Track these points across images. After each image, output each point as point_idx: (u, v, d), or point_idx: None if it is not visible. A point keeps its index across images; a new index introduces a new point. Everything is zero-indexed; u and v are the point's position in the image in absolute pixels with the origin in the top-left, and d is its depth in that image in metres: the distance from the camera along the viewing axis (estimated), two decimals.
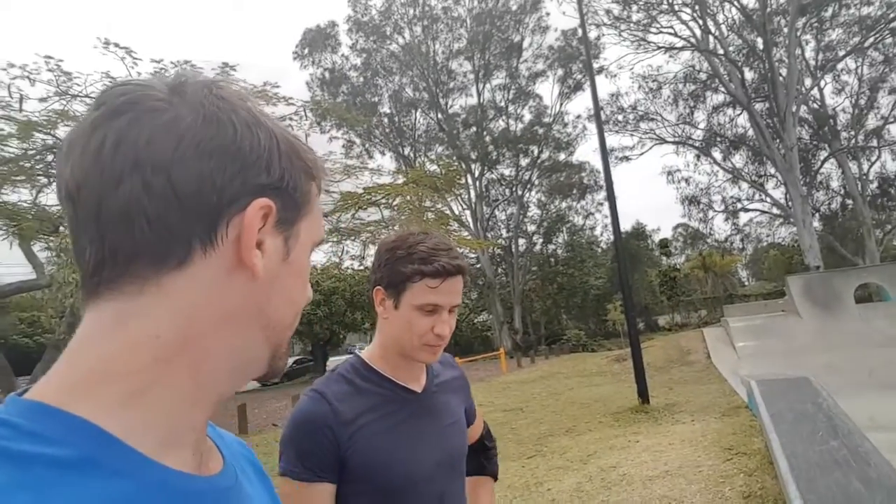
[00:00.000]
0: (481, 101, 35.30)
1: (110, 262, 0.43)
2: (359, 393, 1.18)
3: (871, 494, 2.65)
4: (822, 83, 28.69)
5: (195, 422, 0.47)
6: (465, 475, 1.48)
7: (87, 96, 11.37)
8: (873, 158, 28.84)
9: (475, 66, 34.81)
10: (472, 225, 34.23)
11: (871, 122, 28.45)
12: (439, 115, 35.55)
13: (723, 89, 27.52)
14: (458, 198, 32.66)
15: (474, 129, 35.05)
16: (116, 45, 10.95)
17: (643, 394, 9.43)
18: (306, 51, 35.27)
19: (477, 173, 35.25)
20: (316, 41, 35.09)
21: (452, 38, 34.91)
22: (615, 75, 34.74)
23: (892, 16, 24.43)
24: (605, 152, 10.85)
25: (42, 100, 11.26)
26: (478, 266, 34.95)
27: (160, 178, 0.42)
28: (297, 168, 0.50)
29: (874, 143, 28.16)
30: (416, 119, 36.39)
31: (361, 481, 1.12)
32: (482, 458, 1.53)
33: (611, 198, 10.62)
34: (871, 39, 25.79)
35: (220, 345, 0.46)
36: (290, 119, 13.46)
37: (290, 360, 24.89)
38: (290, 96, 13.03)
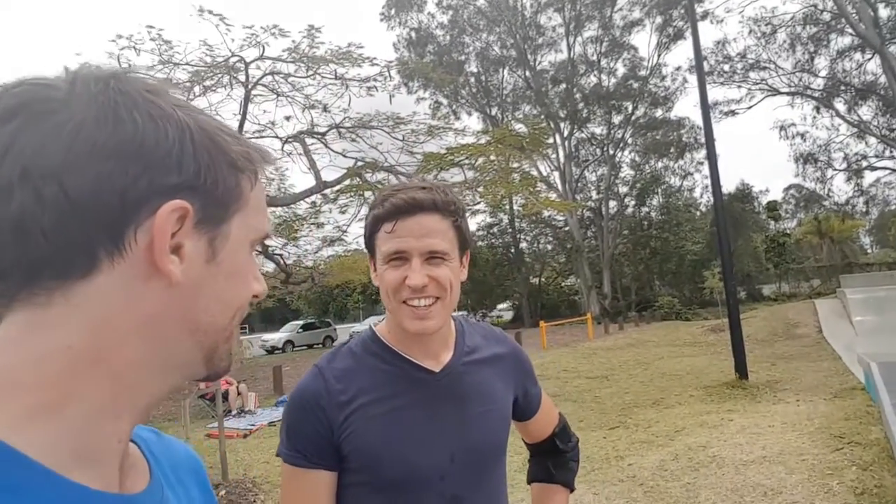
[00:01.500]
0: (571, 55, 33.65)
1: (12, 275, 0.41)
2: (361, 369, 1.02)
3: None
4: None
5: (120, 433, 0.45)
6: (530, 480, 1.28)
7: (188, 64, 11.93)
8: None
9: (565, 19, 33.08)
10: (560, 186, 33.21)
11: None
12: (527, 73, 34.37)
13: (850, 30, 24.30)
14: (546, 158, 31.72)
15: (564, 86, 33.60)
16: (210, 12, 11.30)
17: (741, 368, 8.78)
18: (392, 11, 35.09)
19: (566, 132, 33.94)
20: (402, 0, 34.77)
21: None
22: (722, 20, 31.88)
23: None
24: (705, 106, 9.92)
25: (148, 69, 11.92)
26: (566, 229, 34.05)
27: (51, 186, 0.39)
28: (219, 162, 0.46)
29: None
30: (503, 77, 35.46)
31: (357, 471, 0.97)
32: (549, 463, 1.25)
33: (711, 156, 9.77)
34: None
35: (142, 353, 0.44)
36: (375, 80, 13.43)
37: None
38: (374, 56, 12.94)
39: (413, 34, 35.20)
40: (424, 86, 31.77)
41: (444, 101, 34.14)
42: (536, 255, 37.82)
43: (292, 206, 16.00)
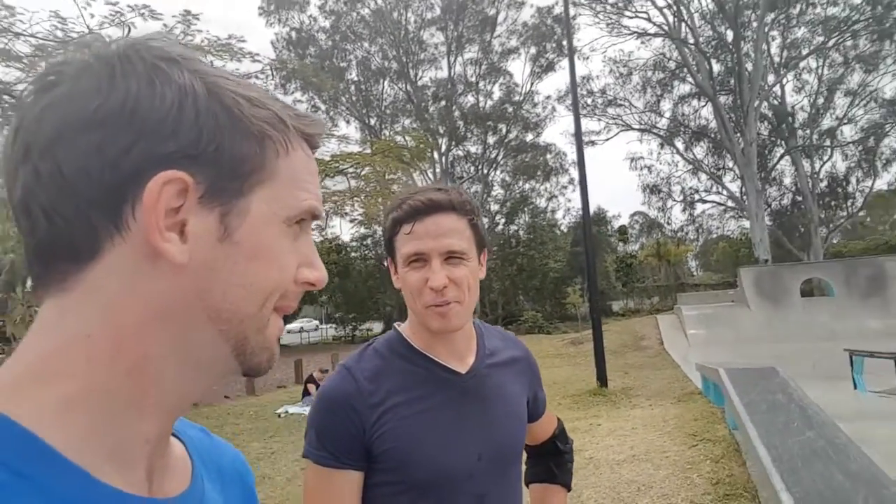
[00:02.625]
0: (452, 74, 34.71)
1: (33, 259, 0.39)
2: (391, 371, 1.01)
3: (856, 487, 2.63)
4: (785, 81, 29.41)
5: (146, 434, 0.42)
6: (530, 481, 1.30)
7: (32, 35, 10.46)
8: (825, 158, 29.90)
9: (448, 38, 34.10)
10: None
11: (826, 122, 29.43)
12: (408, 87, 34.80)
13: (690, 79, 27.89)
14: (424, 172, 32.29)
15: (443, 102, 34.51)
16: None
17: (602, 377, 9.55)
18: (272, 6, 33.74)
19: (444, 148, 34.84)
20: None
21: (425, 6, 33.99)
22: (587, 58, 34.81)
23: (854, 18, 25.17)
24: (579, 134, 10.79)
25: None
26: None
27: (47, 161, 0.37)
28: (230, 128, 0.41)
29: (827, 142, 29.18)
30: (383, 89, 35.50)
31: (387, 471, 0.97)
32: (552, 464, 1.29)
33: (583, 181, 10.59)
34: (833, 41, 26.53)
35: (162, 344, 0.41)
36: (256, 77, 12.82)
37: None
38: (257, 52, 12.38)
39: (294, 34, 34.08)
40: (303, 88, 30.85)
41: (323, 107, 33.37)
42: None
43: None
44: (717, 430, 5.51)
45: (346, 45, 34.55)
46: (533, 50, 33.44)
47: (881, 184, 30.38)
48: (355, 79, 34.94)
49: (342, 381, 1.00)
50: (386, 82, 35.36)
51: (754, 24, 25.47)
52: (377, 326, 38.61)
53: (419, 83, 35.13)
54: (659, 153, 31.81)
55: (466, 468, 0.99)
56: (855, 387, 8.59)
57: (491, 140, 34.98)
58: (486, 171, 35.31)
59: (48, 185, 0.37)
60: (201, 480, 0.50)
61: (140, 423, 0.41)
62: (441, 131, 34.37)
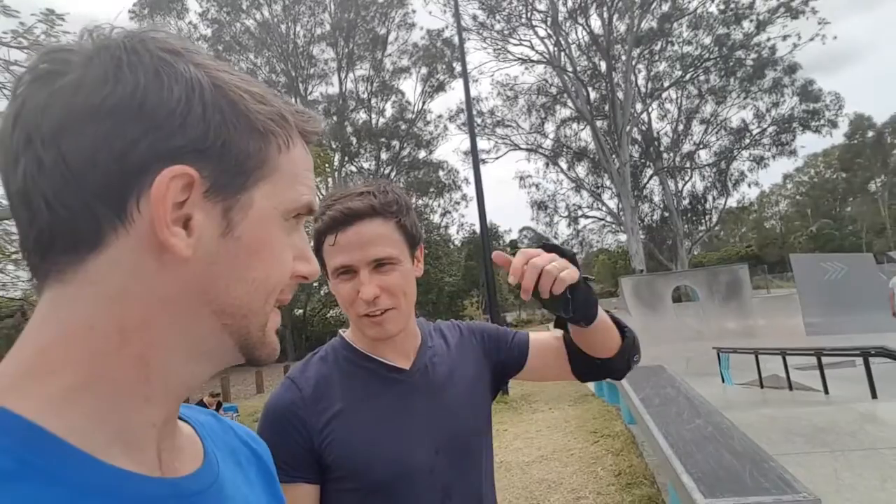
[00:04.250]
0: (343, 90, 34.50)
1: (31, 248, 0.39)
2: (336, 376, 0.98)
3: (742, 463, 2.94)
4: (650, 109, 32.58)
5: (152, 419, 0.42)
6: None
7: None
8: (686, 178, 33.42)
9: (338, 54, 33.90)
10: None
11: (686, 146, 32.93)
12: (298, 102, 33.94)
13: (570, 104, 30.02)
14: (318, 188, 31.60)
15: (335, 118, 34.15)
16: None
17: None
18: (146, 11, 31.59)
19: (336, 164, 34.39)
20: (160, 1, 31.58)
21: (314, 22, 33.60)
22: (476, 80, 36.14)
23: (706, 56, 28.53)
24: (475, 152, 11.16)
25: None
26: None
27: (51, 151, 0.36)
28: (235, 123, 0.41)
29: (687, 164, 32.62)
30: None
31: (344, 479, 0.92)
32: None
33: (479, 196, 10.93)
34: (689, 75, 29.86)
35: (166, 336, 0.41)
36: None
37: None
38: None
39: None
40: None
41: None
42: (301, 286, 36.84)
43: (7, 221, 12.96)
44: (615, 426, 5.90)
45: (230, 56, 33.11)
46: (424, 70, 34.19)
47: (732, 202, 34.55)
48: None
49: (286, 392, 0.96)
50: None
51: (623, 58, 28.02)
52: None
53: (309, 98, 34.51)
54: (545, 172, 33.83)
55: (425, 463, 0.96)
56: (723, 380, 9.60)
57: (384, 156, 35.11)
58: None
59: (51, 175, 0.36)
60: (214, 459, 0.49)
61: (145, 409, 0.41)
62: (333, 146, 33.94)
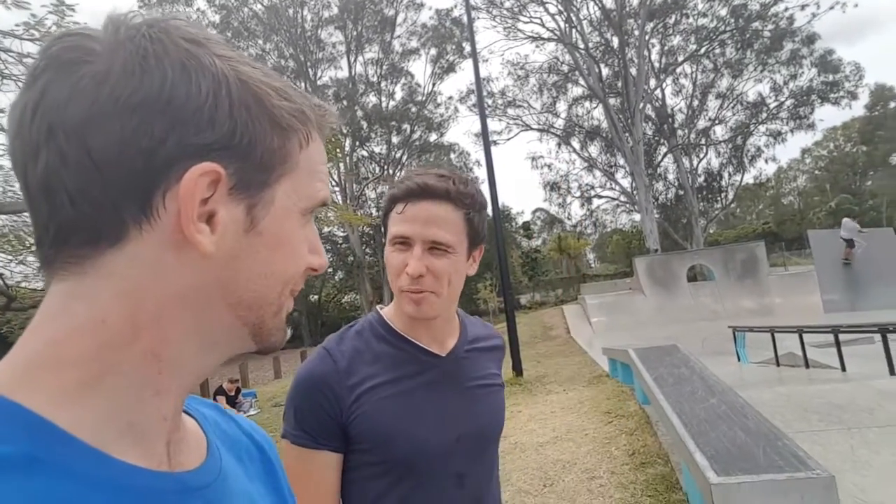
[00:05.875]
0: (353, 74, 34.32)
1: (46, 240, 0.38)
2: (371, 352, 1.00)
3: (755, 441, 2.94)
4: (664, 85, 31.95)
5: (164, 411, 0.42)
6: None
7: None
8: (701, 155, 32.86)
9: (347, 37, 33.67)
10: (341, 202, 33.40)
11: (701, 122, 32.33)
12: (307, 86, 33.96)
13: (582, 82, 29.55)
14: (329, 173, 31.62)
15: (345, 102, 34.04)
16: None
17: (517, 367, 9.89)
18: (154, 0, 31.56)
19: (347, 149, 34.38)
20: None
21: (322, 4, 33.34)
22: (486, 60, 35.89)
23: (721, 29, 27.88)
24: (486, 132, 11.06)
25: None
26: (346, 246, 34.34)
27: (75, 144, 0.36)
28: (261, 120, 0.42)
29: (703, 141, 32.07)
30: None
31: (365, 452, 0.96)
32: None
33: (491, 178, 10.88)
34: (704, 48, 29.21)
35: (181, 330, 0.41)
36: None
37: None
38: None
39: None
40: None
41: None
42: None
43: (23, 214, 13.18)
44: (629, 406, 5.91)
45: (239, 42, 33.06)
46: (433, 51, 33.86)
47: (748, 178, 33.99)
48: None
49: (320, 362, 0.99)
50: None
51: (636, 32, 27.46)
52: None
53: (319, 83, 34.41)
54: (557, 152, 33.46)
55: (444, 448, 0.99)
56: (738, 359, 9.56)
57: (395, 140, 35.00)
58: (391, 172, 35.26)
59: (76, 169, 0.36)
60: (218, 452, 0.49)
61: (157, 402, 0.41)
62: (344, 131, 33.88)
